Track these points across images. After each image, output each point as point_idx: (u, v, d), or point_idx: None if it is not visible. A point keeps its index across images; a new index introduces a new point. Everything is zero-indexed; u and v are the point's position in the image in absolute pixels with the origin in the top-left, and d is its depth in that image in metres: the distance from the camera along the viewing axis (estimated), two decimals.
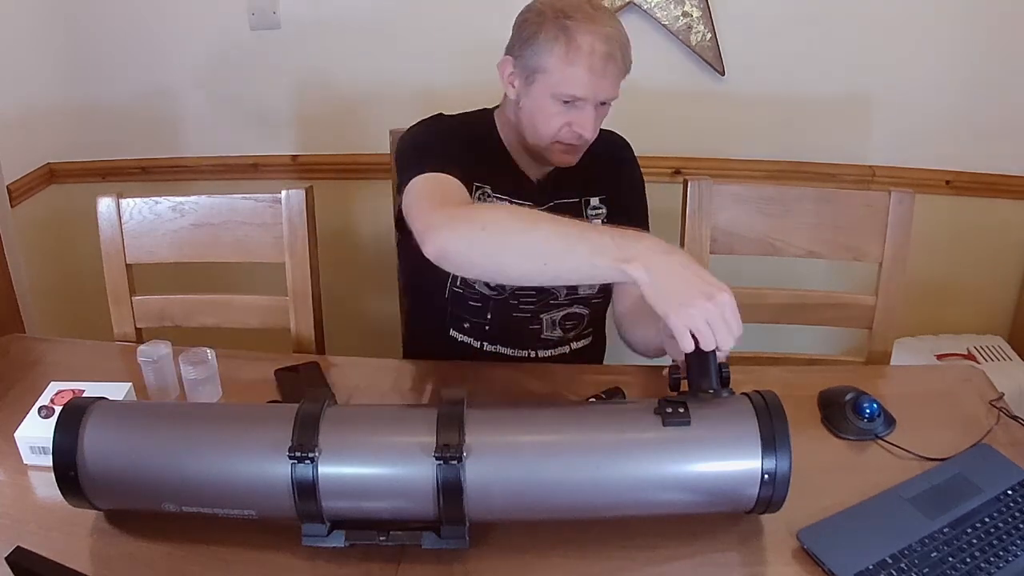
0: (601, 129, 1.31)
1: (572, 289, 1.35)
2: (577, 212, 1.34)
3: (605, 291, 1.37)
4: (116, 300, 1.48)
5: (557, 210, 1.26)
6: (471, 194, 1.19)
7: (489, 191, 1.29)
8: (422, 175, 1.14)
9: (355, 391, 1.25)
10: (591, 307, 1.38)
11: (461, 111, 1.35)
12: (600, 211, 1.36)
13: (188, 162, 2.16)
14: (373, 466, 0.90)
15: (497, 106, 1.35)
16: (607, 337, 1.49)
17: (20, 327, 1.92)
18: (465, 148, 1.23)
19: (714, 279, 0.92)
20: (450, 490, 0.87)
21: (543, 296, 1.34)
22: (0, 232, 1.90)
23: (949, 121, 1.95)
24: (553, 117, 1.19)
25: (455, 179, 1.13)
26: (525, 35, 1.18)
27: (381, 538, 0.91)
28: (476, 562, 0.92)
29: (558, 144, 1.22)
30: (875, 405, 1.14)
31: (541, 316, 1.35)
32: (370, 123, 1.93)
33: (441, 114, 1.33)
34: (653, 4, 1.88)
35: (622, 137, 1.43)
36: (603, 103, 1.21)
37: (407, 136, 1.28)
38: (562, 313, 1.36)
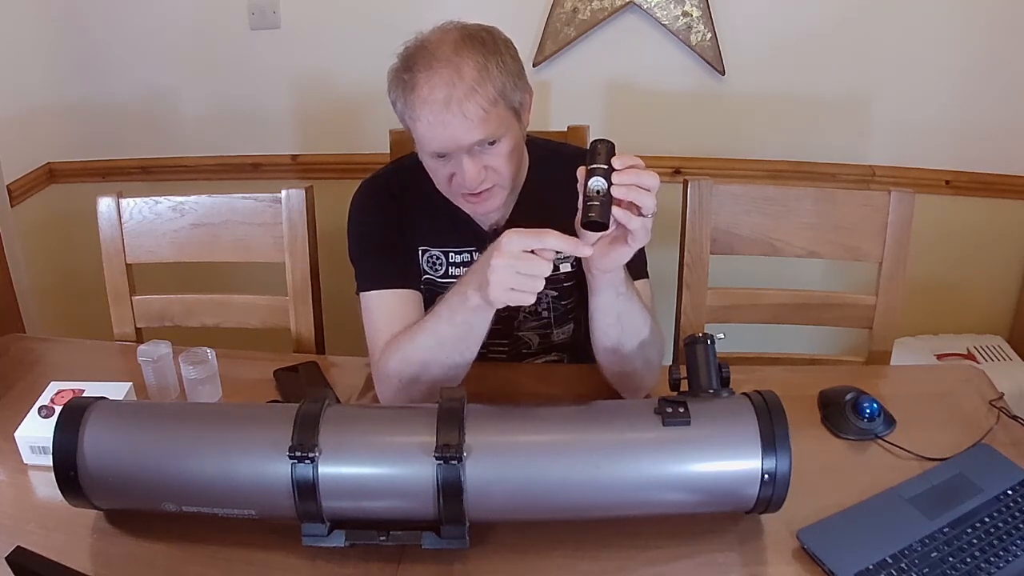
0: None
1: (544, 338, 1.31)
2: None
3: (576, 335, 1.32)
4: (116, 300, 1.48)
5: None
6: (419, 259, 1.23)
7: (431, 248, 1.23)
8: (362, 295, 1.19)
9: (355, 391, 1.25)
10: (568, 350, 1.35)
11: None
12: (568, 256, 1.23)
13: (188, 162, 2.16)
14: (373, 466, 0.90)
15: None
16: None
17: (20, 327, 1.93)
18: (396, 216, 1.21)
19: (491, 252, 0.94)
20: (450, 490, 0.87)
21: (514, 346, 1.31)
22: (0, 232, 1.90)
23: (949, 121, 1.95)
24: (437, 172, 1.11)
25: (385, 296, 1.17)
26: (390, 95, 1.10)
27: (381, 538, 0.91)
28: (476, 562, 0.92)
29: (461, 196, 1.13)
30: (875, 405, 1.13)
31: (519, 364, 1.34)
32: (370, 123, 1.92)
33: (371, 180, 1.25)
34: (653, 4, 1.88)
35: None
36: (492, 143, 1.06)
37: (349, 218, 1.24)
38: (539, 361, 1.35)
